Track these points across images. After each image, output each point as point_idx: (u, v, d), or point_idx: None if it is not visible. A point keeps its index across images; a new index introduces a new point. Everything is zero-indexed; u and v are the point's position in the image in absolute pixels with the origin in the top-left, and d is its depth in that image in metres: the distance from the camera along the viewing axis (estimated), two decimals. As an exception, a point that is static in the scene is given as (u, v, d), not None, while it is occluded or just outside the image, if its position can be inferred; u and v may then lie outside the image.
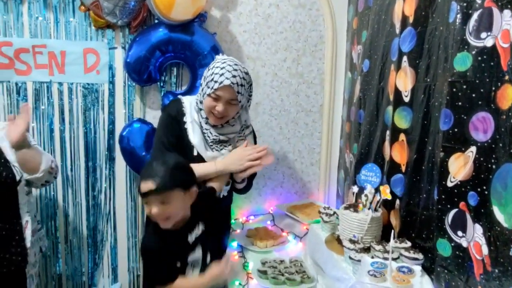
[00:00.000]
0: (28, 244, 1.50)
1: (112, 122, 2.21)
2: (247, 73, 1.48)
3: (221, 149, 1.53)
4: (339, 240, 1.56)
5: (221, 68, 1.42)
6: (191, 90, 2.07)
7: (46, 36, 2.09)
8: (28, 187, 1.55)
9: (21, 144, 1.43)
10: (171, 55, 2.03)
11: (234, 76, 1.41)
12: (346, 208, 1.53)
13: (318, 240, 1.66)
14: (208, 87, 1.43)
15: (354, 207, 1.52)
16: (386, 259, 1.25)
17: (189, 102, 1.57)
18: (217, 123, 1.50)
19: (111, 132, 2.21)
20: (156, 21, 2.08)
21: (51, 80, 2.13)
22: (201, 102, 1.50)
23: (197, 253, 1.30)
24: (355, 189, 1.59)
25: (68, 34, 2.11)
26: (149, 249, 1.25)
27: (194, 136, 1.48)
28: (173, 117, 1.51)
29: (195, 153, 1.48)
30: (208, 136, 1.50)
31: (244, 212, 2.31)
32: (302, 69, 2.29)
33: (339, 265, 1.40)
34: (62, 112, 2.18)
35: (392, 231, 1.27)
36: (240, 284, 1.54)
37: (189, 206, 1.28)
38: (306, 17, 2.25)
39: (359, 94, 1.92)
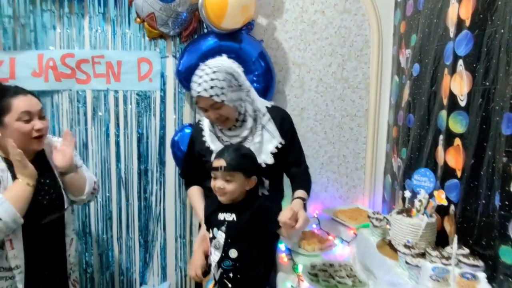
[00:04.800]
0: (71, 260, 1.59)
1: (163, 128, 2.32)
2: (216, 71, 1.42)
3: None
4: (391, 245, 1.55)
5: (192, 82, 1.47)
6: (239, 96, 2.14)
7: (104, 47, 2.24)
8: (71, 206, 1.63)
9: (68, 170, 1.51)
10: (220, 62, 2.10)
11: (199, 84, 1.42)
12: (399, 213, 1.52)
13: (369, 245, 1.65)
14: None
15: (407, 212, 1.51)
16: (445, 265, 1.23)
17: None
18: (226, 126, 1.56)
19: (162, 137, 2.32)
20: (205, 30, 2.17)
21: (108, 88, 2.28)
22: None
23: (219, 237, 1.42)
24: (408, 194, 1.58)
25: (124, 45, 2.24)
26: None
27: (212, 143, 1.59)
28: (191, 138, 1.72)
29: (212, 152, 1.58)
30: (222, 141, 1.59)
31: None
32: (347, 74, 2.30)
33: (393, 270, 1.39)
34: (117, 118, 2.32)
35: (455, 236, 1.25)
36: (292, 286, 1.56)
37: (245, 191, 1.44)
38: (352, 22, 2.26)
39: (408, 99, 1.91)
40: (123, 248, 2.42)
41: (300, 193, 1.58)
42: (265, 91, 2.14)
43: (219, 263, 1.43)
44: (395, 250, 1.49)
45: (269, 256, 1.68)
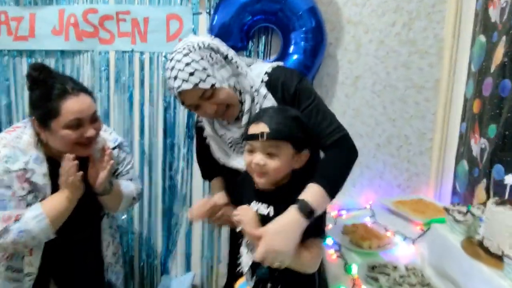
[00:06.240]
0: (109, 259, 1.50)
1: (192, 96, 2.02)
2: (187, 53, 1.07)
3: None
4: (482, 247, 1.15)
5: (166, 79, 1.13)
6: (282, 58, 1.80)
7: (130, 1, 1.98)
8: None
9: (100, 193, 1.31)
10: (261, 17, 1.78)
11: (175, 78, 1.07)
12: (499, 203, 1.13)
13: (448, 244, 1.27)
14: None
15: (511, 203, 1.11)
16: None
17: None
18: (233, 116, 1.19)
19: (191, 107, 2.03)
20: (245, -19, 1.84)
21: (133, 49, 2.01)
22: None
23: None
24: (510, 179, 1.17)
25: (151, -1, 1.96)
26: None
27: (214, 149, 1.31)
28: (197, 134, 1.45)
29: (221, 163, 1.30)
30: (225, 142, 1.26)
31: (333, 205, 1.97)
32: (414, 35, 1.89)
33: (493, 282, 1.01)
34: (142, 84, 2.05)
35: None
36: (344, 290, 1.22)
37: (290, 172, 1.04)
38: (423, -30, 1.84)
39: (502, 60, 1.47)
40: (144, 232, 2.17)
41: (308, 193, 1.00)
42: (314, 52, 1.78)
43: (253, 268, 1.07)
44: (489, 253, 1.10)
45: None
